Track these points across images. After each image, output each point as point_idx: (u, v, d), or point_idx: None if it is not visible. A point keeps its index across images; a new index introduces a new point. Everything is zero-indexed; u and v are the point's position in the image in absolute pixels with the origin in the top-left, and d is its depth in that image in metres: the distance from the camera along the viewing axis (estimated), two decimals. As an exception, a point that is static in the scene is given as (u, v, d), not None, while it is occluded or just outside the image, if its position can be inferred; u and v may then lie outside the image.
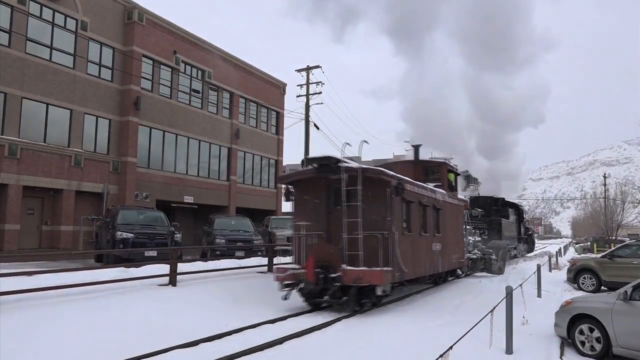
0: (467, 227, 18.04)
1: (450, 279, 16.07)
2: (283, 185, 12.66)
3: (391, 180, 10.19)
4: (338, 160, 10.20)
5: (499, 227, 23.00)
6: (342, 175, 9.95)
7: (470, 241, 18.12)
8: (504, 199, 26.48)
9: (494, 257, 18.56)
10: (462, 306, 11.03)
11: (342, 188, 9.94)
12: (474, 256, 17.86)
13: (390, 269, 9.80)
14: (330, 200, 10.66)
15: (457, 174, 16.28)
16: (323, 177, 10.43)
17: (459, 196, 16.40)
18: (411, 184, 11.38)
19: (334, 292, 9.61)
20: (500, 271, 18.62)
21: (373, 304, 10.36)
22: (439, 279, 14.95)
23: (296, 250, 10.66)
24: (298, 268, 10.08)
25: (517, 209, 29.35)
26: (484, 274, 18.19)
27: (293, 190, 11.25)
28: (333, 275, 9.52)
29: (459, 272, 16.28)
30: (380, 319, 9.37)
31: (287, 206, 37.52)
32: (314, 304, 10.29)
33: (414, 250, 11.43)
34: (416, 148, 15.54)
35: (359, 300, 9.92)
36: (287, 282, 10.13)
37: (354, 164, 10.41)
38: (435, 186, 13.44)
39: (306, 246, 10.40)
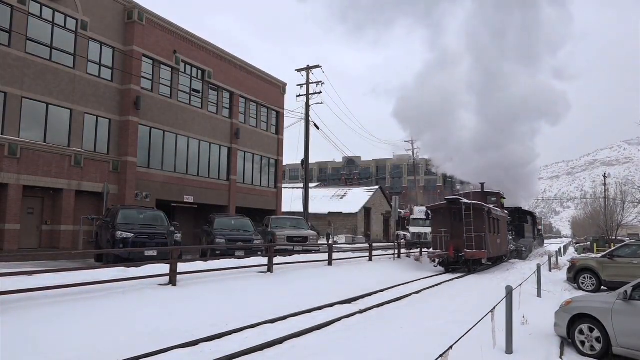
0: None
1: (498, 263, 24.77)
2: (424, 209, 22.90)
3: (485, 208, 20.11)
4: (460, 199, 20.27)
5: (522, 230, 31.50)
6: (462, 207, 19.66)
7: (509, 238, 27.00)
8: (521, 208, 34.44)
9: (524, 249, 29.08)
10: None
11: (462, 212, 19.60)
12: (512, 248, 27.09)
13: (486, 251, 19.46)
14: (452, 217, 20.27)
15: (504, 198, 26.74)
16: (449, 207, 20.22)
17: (505, 211, 26.28)
18: (491, 209, 21.11)
19: (462, 262, 19.89)
20: (527, 257, 29.30)
21: (475, 270, 20.32)
22: (494, 262, 23.67)
23: (438, 243, 20.20)
24: (441, 252, 19.92)
25: (532, 215, 38.12)
26: (516, 260, 27.49)
27: (431, 212, 21.36)
28: (460, 254, 19.53)
29: (504, 258, 25.43)
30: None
31: (286, 206, 37.51)
32: (447, 269, 20.42)
33: (493, 242, 20.67)
34: (482, 185, 26.62)
35: (472, 266, 20.09)
36: (434, 258, 20.27)
37: (467, 201, 19.99)
38: (494, 206, 23.10)
39: (444, 241, 19.95)
